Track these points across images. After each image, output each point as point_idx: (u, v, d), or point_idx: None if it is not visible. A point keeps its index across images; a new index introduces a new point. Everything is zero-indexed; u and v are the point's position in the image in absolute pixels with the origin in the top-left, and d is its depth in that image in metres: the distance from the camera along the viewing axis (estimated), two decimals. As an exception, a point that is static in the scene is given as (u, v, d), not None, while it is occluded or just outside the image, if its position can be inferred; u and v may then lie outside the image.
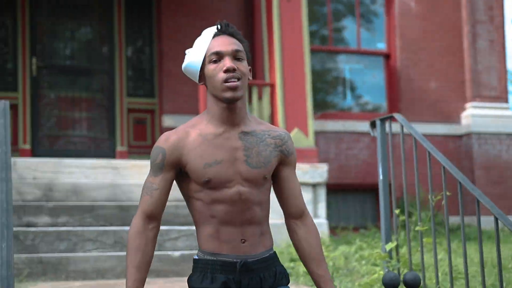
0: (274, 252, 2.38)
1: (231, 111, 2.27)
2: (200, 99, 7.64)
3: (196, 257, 2.32)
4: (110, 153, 8.87)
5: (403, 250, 5.29)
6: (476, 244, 7.43)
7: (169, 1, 9.23)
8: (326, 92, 10.39)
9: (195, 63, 2.33)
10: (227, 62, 2.25)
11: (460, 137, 10.25)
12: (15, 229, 5.77)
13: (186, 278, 5.87)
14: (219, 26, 2.34)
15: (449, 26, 10.40)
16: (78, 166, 6.76)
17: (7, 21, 8.91)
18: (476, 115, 10.17)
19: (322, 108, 10.04)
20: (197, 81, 2.37)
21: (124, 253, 5.82)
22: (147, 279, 5.88)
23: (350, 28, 10.43)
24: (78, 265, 5.59)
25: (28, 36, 8.84)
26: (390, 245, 4.00)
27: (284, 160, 2.36)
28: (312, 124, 7.61)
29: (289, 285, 2.40)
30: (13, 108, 8.68)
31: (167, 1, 9.23)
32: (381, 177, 4.20)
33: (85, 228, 5.94)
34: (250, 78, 2.35)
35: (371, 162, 9.52)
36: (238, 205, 2.25)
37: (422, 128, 9.88)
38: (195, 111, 8.89)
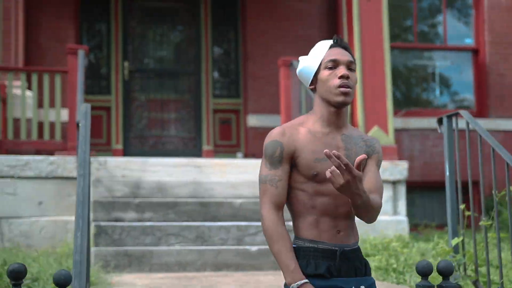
0: (359, 247, 2.57)
1: (337, 115, 2.48)
2: (281, 99, 7.79)
3: (295, 246, 2.44)
4: (197, 152, 9.19)
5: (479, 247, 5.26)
6: None
7: (254, 5, 9.46)
8: (412, 89, 10.32)
9: (311, 68, 2.52)
10: (342, 70, 2.46)
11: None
12: (103, 223, 6.14)
13: (261, 272, 6.04)
14: (335, 40, 2.56)
15: (541, 19, 10.09)
16: (163, 165, 7.07)
17: (101, 28, 9.41)
18: None
19: (407, 105, 9.99)
20: (308, 85, 2.58)
21: (204, 247, 6.07)
22: (226, 273, 6.09)
23: (437, 24, 10.31)
24: (161, 258, 5.88)
25: (121, 42, 9.30)
26: (456, 240, 4.03)
27: (369, 156, 2.53)
28: (392, 122, 7.62)
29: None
30: (107, 110, 9.17)
31: (252, 5, 9.46)
32: (447, 173, 4.23)
33: (168, 223, 6.23)
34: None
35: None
36: (337, 199, 2.42)
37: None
38: (278, 111, 9.08)
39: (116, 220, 6.31)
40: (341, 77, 2.44)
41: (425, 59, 10.28)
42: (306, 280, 2.35)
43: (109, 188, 6.65)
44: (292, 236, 2.47)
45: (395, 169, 7.34)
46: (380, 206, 2.47)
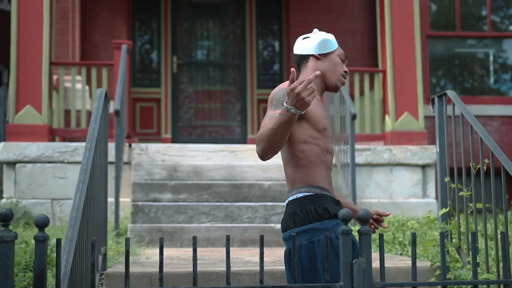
0: None
1: (328, 91, 2.93)
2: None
3: (311, 193, 2.71)
4: (242, 141, 9.64)
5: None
6: None
7: (297, -2, 9.83)
8: (453, 76, 10.44)
9: (332, 46, 2.89)
10: (346, 68, 2.93)
11: None
12: (141, 203, 6.66)
13: (283, 248, 6.42)
14: (338, 42, 3.02)
15: None
16: (200, 150, 7.55)
17: (152, 24, 9.99)
18: None
19: (470, 92, 10.13)
20: (318, 53, 2.85)
21: (232, 225, 6.49)
22: (250, 248, 6.45)
23: (482, 12, 10.38)
24: (191, 234, 6.34)
25: (170, 37, 9.85)
26: (443, 211, 4.30)
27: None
28: (422, 108, 7.83)
29: None
30: (157, 102, 9.74)
31: (295, -1, 9.84)
32: (437, 150, 4.50)
33: (201, 203, 6.69)
34: None
35: (500, 145, 9.46)
36: (331, 157, 2.81)
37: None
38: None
39: (154, 200, 6.82)
40: (346, 72, 2.90)
41: (469, 47, 10.37)
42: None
43: (148, 171, 7.17)
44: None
45: (424, 153, 7.56)
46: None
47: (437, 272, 4.21)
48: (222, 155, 7.54)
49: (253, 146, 7.81)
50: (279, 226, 6.48)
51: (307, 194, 2.71)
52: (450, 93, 4.36)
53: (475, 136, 4.14)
